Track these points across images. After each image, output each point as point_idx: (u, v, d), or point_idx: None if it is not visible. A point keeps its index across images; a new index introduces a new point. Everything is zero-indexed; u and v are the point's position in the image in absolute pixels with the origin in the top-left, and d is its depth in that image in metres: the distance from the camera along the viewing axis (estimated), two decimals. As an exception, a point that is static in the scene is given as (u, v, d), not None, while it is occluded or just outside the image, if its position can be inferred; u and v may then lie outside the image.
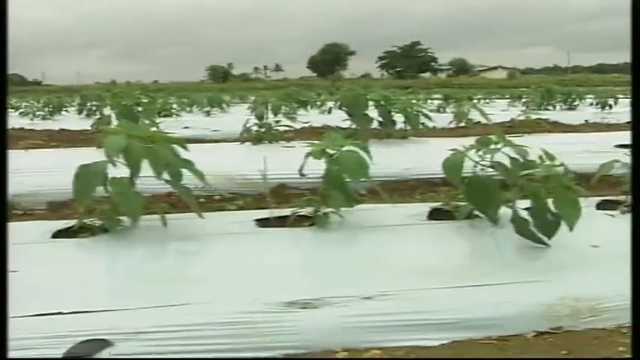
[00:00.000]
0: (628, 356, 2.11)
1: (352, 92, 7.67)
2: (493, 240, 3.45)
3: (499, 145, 3.48)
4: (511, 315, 2.51)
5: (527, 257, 3.18)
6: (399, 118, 7.85)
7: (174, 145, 3.72)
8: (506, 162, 3.44)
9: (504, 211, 3.45)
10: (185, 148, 3.77)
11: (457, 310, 2.53)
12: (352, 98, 7.47)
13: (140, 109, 9.40)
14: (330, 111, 15.61)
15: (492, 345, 2.38)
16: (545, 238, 3.22)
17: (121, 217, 3.63)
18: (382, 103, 7.60)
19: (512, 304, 2.57)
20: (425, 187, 5.18)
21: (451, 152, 3.58)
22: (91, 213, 3.69)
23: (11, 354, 2.21)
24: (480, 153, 3.51)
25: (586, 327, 2.50)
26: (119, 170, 3.55)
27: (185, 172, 3.68)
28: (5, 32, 1.47)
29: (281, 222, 3.79)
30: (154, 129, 4.06)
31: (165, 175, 3.60)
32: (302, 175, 3.81)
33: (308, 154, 3.79)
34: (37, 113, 16.31)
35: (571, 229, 3.11)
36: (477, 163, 3.51)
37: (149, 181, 3.62)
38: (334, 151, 3.78)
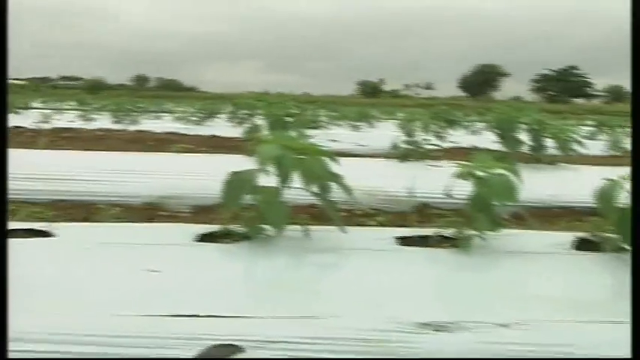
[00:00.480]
0: (628, 356, 2.00)
1: (504, 114, 7.54)
2: (642, 277, 3.31)
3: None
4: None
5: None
6: (549, 143, 7.67)
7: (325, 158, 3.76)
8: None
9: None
10: (335, 161, 3.80)
11: (597, 346, 2.43)
12: (504, 120, 7.34)
13: (290, 119, 9.55)
14: (479, 132, 15.42)
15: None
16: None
17: (264, 226, 3.70)
18: (534, 127, 7.43)
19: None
20: (571, 215, 5.04)
21: (604, 181, 3.47)
22: (235, 219, 3.78)
23: (144, 352, 2.29)
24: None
25: None
26: (266, 179, 3.63)
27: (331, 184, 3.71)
28: (5, 33, 1.52)
29: (422, 241, 3.77)
30: (305, 140, 4.11)
31: (313, 188, 3.65)
32: (448, 195, 3.77)
33: (455, 175, 3.75)
34: (190, 118, 16.90)
35: None
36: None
37: (292, 191, 3.69)
38: (483, 173, 3.73)
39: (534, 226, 4.03)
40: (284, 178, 3.54)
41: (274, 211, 3.55)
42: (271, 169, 3.55)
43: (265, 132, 8.10)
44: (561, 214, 5.12)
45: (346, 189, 3.70)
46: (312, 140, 5.07)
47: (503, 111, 7.76)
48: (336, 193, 3.80)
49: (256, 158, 3.51)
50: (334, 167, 3.76)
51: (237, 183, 3.54)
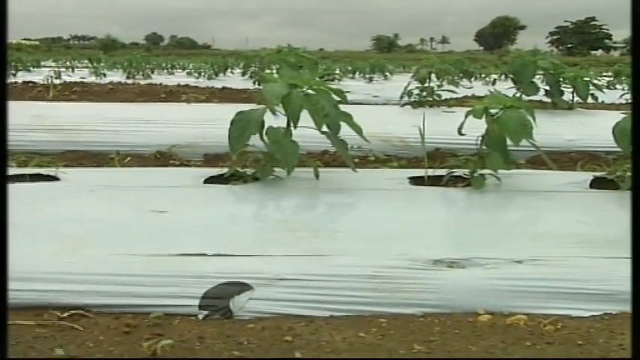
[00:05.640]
0: (628, 356, 1.93)
1: (521, 58, 7.37)
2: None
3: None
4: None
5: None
6: (566, 89, 7.51)
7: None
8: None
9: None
10: (345, 99, 3.72)
11: (611, 281, 2.36)
12: (520, 64, 7.18)
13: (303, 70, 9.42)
14: (494, 82, 15.27)
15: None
16: None
17: (274, 168, 3.65)
18: (551, 71, 7.27)
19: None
20: (588, 159, 4.94)
21: (623, 117, 3.39)
22: (245, 162, 3.72)
23: (152, 290, 2.23)
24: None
25: None
26: (275, 122, 3.56)
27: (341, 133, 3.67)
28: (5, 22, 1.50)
29: (435, 181, 3.71)
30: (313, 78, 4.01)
31: (323, 128, 3.57)
32: (461, 134, 3.69)
33: (469, 113, 3.66)
34: (203, 73, 16.82)
35: None
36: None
37: (303, 139, 3.66)
38: (497, 111, 3.64)
39: (551, 167, 3.94)
40: (293, 117, 3.45)
41: (284, 150, 3.48)
42: (279, 109, 3.48)
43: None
44: (579, 158, 5.00)
45: (356, 128, 3.62)
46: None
47: (520, 55, 7.61)
48: (347, 138, 3.74)
49: (263, 95, 3.44)
50: (344, 108, 3.69)
51: (244, 122, 3.46)
